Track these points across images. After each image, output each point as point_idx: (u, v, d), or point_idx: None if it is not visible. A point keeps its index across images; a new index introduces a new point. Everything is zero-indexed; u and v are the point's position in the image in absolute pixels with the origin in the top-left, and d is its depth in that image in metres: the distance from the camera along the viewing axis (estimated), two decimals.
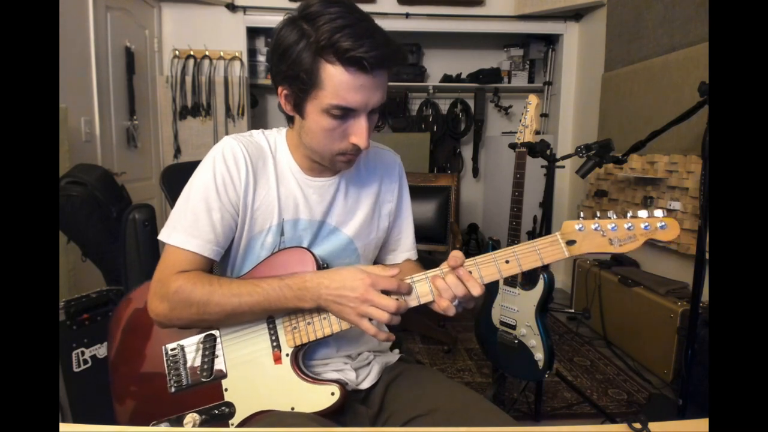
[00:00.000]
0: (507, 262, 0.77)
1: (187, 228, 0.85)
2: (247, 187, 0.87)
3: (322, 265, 0.87)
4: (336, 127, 0.80)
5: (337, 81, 0.75)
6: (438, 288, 0.78)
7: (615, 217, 0.72)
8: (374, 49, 0.73)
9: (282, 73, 0.79)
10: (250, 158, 0.87)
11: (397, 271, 0.80)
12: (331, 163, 0.87)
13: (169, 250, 0.85)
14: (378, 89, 0.78)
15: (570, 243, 0.74)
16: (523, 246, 0.76)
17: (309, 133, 0.83)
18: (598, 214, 0.74)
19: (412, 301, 0.80)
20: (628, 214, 0.72)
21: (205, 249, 0.85)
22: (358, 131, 0.80)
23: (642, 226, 0.71)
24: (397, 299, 0.77)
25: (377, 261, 1.05)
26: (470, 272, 0.78)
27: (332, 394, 0.83)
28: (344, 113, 0.78)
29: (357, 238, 0.95)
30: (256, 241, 0.90)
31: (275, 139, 0.94)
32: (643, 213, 0.72)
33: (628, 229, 0.72)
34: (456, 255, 0.78)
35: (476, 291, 0.77)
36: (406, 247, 1.05)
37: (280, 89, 0.83)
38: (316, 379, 0.85)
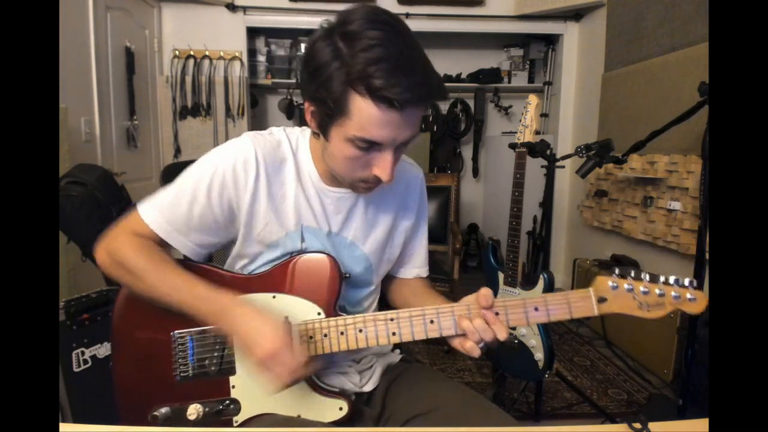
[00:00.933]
0: (536, 309, 0.77)
1: (164, 208, 0.84)
2: (255, 194, 0.84)
3: (345, 275, 0.86)
4: (359, 156, 0.76)
5: (366, 114, 0.70)
6: (464, 329, 0.77)
7: (648, 279, 0.73)
8: (408, 90, 0.68)
9: (310, 91, 0.75)
10: (264, 163, 0.84)
11: (306, 357, 0.76)
12: (351, 187, 0.85)
13: (135, 214, 0.85)
14: (408, 126, 0.73)
15: (601, 300, 0.74)
16: (555, 297, 0.76)
17: (331, 157, 0.80)
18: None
19: (433, 333, 0.79)
20: (661, 279, 0.72)
21: (171, 236, 0.84)
22: (383, 165, 0.76)
23: (672, 294, 0.72)
24: (293, 374, 0.74)
25: (387, 273, 1.04)
26: (497, 313, 0.77)
27: (340, 409, 0.83)
28: (369, 146, 0.74)
29: (373, 255, 0.94)
30: (275, 246, 0.88)
31: (297, 140, 0.90)
32: (672, 279, 0.72)
33: (659, 295, 0.72)
34: (486, 295, 0.77)
35: (503, 335, 0.76)
36: (417, 264, 1.03)
37: (307, 104, 0.78)
38: (326, 391, 0.84)
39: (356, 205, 0.92)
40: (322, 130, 0.78)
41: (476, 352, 0.78)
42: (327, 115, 0.74)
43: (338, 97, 0.70)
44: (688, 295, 0.71)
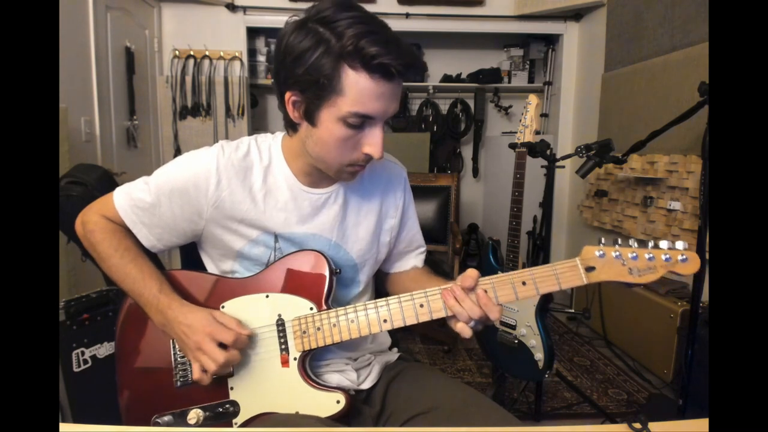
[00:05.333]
0: (524, 283, 0.76)
1: (134, 198, 0.88)
2: (218, 203, 0.85)
3: (335, 270, 0.86)
4: (350, 136, 0.77)
5: (361, 87, 0.72)
6: (451, 309, 0.78)
7: (636, 245, 0.72)
8: (400, 57, 0.71)
9: (295, 77, 0.75)
10: (227, 173, 0.85)
11: (249, 331, 0.83)
12: (336, 174, 0.85)
13: (110, 197, 0.91)
14: (396, 98, 0.77)
15: (589, 269, 0.73)
16: (542, 269, 0.75)
17: (319, 143, 0.80)
18: (611, 237, 0.73)
19: (424, 317, 0.79)
20: (650, 244, 0.71)
21: (135, 226, 0.89)
22: (373, 141, 0.78)
23: (663, 257, 0.70)
24: (229, 351, 0.80)
25: (381, 269, 1.04)
26: (486, 291, 0.77)
27: (337, 402, 0.83)
28: (362, 122, 0.76)
29: (358, 254, 0.94)
30: (247, 253, 0.89)
31: (269, 147, 0.90)
32: (664, 243, 0.71)
33: (649, 259, 0.71)
34: (471, 275, 0.77)
35: (494, 314, 0.77)
36: (412, 256, 1.05)
37: (288, 95, 0.78)
38: (322, 386, 0.84)
39: (336, 204, 0.91)
40: (309, 116, 0.79)
41: (467, 333, 0.78)
42: (317, 97, 0.75)
43: (330, 74, 0.72)
44: (680, 257, 0.70)
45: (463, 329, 0.78)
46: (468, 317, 0.77)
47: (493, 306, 0.76)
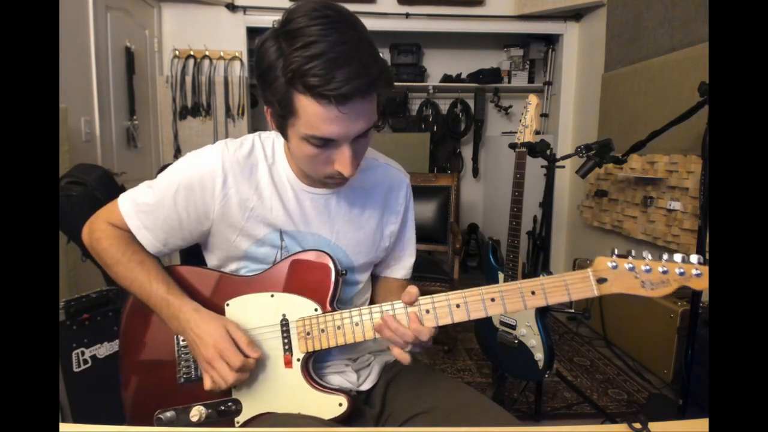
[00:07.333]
0: (533, 293, 0.75)
1: (138, 204, 0.87)
2: (225, 201, 0.85)
3: (341, 272, 0.86)
4: (318, 154, 0.75)
5: (311, 112, 0.70)
6: (385, 338, 0.79)
7: (650, 257, 0.71)
8: (346, 84, 0.66)
9: (262, 94, 0.76)
10: (232, 171, 0.84)
11: (258, 355, 0.81)
12: (322, 184, 0.86)
13: (115, 204, 0.89)
14: (359, 118, 0.72)
15: (601, 281, 0.72)
16: (552, 279, 0.74)
17: (295, 156, 0.82)
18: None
19: (429, 323, 0.79)
20: (664, 257, 0.70)
21: (140, 232, 0.88)
22: (341, 159, 0.76)
23: (677, 271, 0.69)
24: (238, 371, 0.79)
25: (373, 274, 1.04)
26: (428, 311, 0.77)
27: (339, 404, 0.83)
28: (323, 142, 0.74)
29: (356, 256, 0.94)
30: (254, 251, 0.89)
31: (272, 144, 0.90)
32: (678, 257, 0.69)
33: (663, 272, 0.70)
34: (411, 292, 0.78)
35: (424, 337, 0.77)
36: (403, 266, 1.04)
37: (265, 108, 0.79)
38: (325, 388, 0.84)
39: (338, 206, 0.91)
40: (281, 131, 0.78)
41: (406, 359, 0.78)
42: (280, 117, 0.74)
43: (283, 98, 0.71)
44: (694, 271, 0.68)
45: (401, 355, 0.78)
46: (403, 343, 0.77)
47: (425, 330, 0.76)
